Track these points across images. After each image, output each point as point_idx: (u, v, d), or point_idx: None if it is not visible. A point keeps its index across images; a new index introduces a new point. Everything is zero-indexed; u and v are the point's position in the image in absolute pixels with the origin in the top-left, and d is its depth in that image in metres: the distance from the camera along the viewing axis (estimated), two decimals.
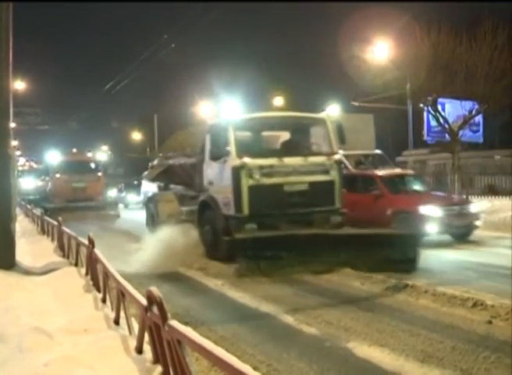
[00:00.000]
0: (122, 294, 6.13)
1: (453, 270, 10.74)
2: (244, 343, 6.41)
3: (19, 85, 36.12)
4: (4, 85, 10.25)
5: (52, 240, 14.14)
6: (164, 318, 4.46)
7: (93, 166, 28.32)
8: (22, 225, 19.33)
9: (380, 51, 29.60)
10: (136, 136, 65.52)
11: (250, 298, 8.69)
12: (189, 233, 12.66)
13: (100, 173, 27.93)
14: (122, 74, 35.41)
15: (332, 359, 5.84)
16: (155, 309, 4.70)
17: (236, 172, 11.46)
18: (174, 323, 4.30)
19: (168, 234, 12.40)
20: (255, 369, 5.25)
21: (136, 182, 37.73)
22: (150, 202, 16.66)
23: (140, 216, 24.79)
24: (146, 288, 4.95)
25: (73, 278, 9.19)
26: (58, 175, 26.61)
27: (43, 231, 16.76)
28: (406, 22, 28.59)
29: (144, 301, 5.04)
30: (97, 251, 8.32)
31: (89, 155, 29.97)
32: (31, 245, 14.20)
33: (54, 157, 28.24)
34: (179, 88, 60.67)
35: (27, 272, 10.19)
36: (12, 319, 6.58)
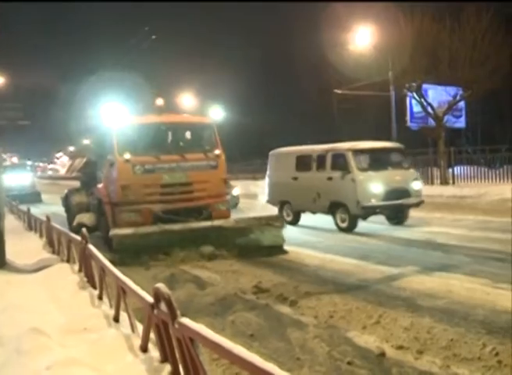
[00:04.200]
0: (122, 291, 5.94)
1: None
2: None
3: None
4: None
5: (40, 236, 13.88)
6: (173, 315, 4.28)
7: (203, 135, 13.52)
8: (7, 222, 18.92)
9: (362, 37, 29.53)
10: None
11: None
12: None
13: (218, 151, 12.91)
14: (103, 66, 34.33)
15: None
16: (162, 306, 4.53)
17: None
18: (185, 320, 4.12)
19: None
20: None
21: None
22: None
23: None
24: None
25: (66, 275, 8.97)
26: (127, 156, 12.06)
27: (30, 228, 16.47)
28: (388, 7, 28.49)
29: (150, 299, 4.86)
30: (91, 246, 8.12)
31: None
32: (19, 242, 13.86)
33: (115, 117, 13.82)
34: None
35: (19, 270, 9.96)
36: (8, 320, 6.36)
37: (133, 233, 11.30)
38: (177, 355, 4.41)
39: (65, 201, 17.27)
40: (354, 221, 14.42)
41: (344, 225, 14.54)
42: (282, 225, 12.42)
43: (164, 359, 4.76)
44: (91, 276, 8.08)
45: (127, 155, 12.02)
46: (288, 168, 16.66)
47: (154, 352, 5.03)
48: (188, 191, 12.49)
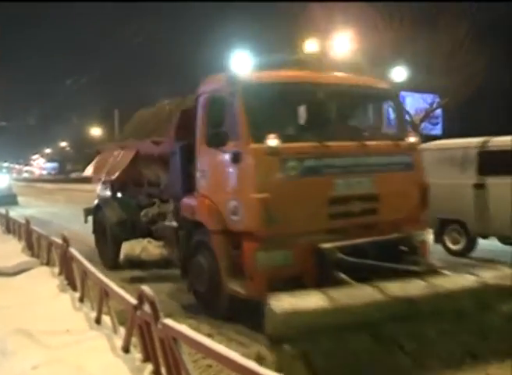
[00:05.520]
0: (105, 293, 6.06)
1: None
2: None
3: None
4: None
5: (19, 239, 13.83)
6: (156, 316, 4.44)
7: (385, 110, 8.00)
8: None
9: (339, 43, 29.70)
10: (96, 131, 64.58)
11: None
12: None
13: (413, 139, 7.35)
14: (83, 68, 34.07)
15: None
16: (146, 308, 4.68)
17: None
18: (168, 321, 4.28)
19: None
20: None
21: None
22: None
23: None
24: None
25: (47, 278, 9.03)
26: (273, 143, 6.14)
27: (8, 231, 16.38)
28: (367, 13, 28.79)
29: (133, 300, 5.00)
30: (72, 249, 8.21)
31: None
32: None
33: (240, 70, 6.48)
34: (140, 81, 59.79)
35: None
36: None
37: (329, 307, 4.89)
38: (159, 354, 4.57)
39: (96, 216, 11.76)
40: None
41: None
42: None
43: (146, 359, 4.91)
44: (72, 279, 8.15)
45: (273, 141, 6.20)
46: (461, 170, 10.94)
47: (136, 353, 5.18)
48: (372, 209, 6.87)
